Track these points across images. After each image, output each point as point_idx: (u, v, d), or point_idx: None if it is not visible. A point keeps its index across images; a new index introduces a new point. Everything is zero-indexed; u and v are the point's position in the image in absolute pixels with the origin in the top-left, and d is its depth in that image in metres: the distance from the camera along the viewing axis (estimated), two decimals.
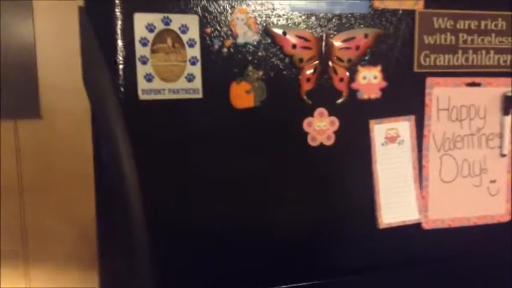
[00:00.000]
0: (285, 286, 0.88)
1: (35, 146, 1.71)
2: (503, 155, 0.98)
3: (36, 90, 1.72)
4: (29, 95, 1.72)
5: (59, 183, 1.70)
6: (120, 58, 0.77)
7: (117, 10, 0.76)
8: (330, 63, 0.87)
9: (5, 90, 1.67)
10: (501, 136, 0.98)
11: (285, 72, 0.85)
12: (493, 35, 0.95)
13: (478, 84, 0.96)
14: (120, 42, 0.76)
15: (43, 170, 1.72)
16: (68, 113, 1.68)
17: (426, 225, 0.95)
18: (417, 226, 0.94)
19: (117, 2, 0.76)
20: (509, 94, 0.97)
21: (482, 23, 0.94)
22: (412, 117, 0.93)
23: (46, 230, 1.67)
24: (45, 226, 1.67)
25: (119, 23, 0.76)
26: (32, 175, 1.70)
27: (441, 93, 0.93)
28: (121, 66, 0.77)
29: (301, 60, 0.86)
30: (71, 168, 1.68)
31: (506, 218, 1.01)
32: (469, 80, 0.95)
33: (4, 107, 1.65)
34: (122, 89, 0.78)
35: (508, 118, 0.97)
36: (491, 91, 0.96)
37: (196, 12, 0.79)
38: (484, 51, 0.95)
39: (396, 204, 0.92)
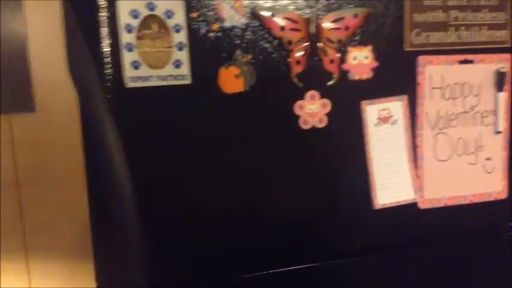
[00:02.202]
0: (280, 269, 0.88)
1: (29, 139, 1.70)
2: (498, 132, 0.98)
3: (29, 84, 1.71)
4: (22, 90, 1.71)
5: (55, 176, 1.69)
6: (106, 46, 0.76)
7: None
8: (320, 44, 0.86)
9: None
10: (495, 113, 0.97)
11: (274, 55, 0.84)
12: (485, 10, 0.94)
13: (471, 62, 0.94)
14: (104, 30, 0.75)
15: (39, 163, 1.71)
16: (62, 106, 1.66)
17: (422, 205, 0.94)
18: (413, 206, 0.94)
19: None
20: (503, 70, 0.96)
21: None
22: (405, 97, 0.92)
23: (43, 223, 1.67)
24: (43, 219, 1.67)
25: (102, 10, 0.75)
26: (28, 169, 1.69)
27: (434, 72, 0.92)
28: (107, 55, 0.76)
29: (290, 42, 0.85)
30: (67, 160, 1.67)
31: (503, 195, 1.00)
32: (462, 57, 0.94)
33: None
34: (109, 78, 0.77)
35: (502, 94, 0.96)
36: (485, 68, 0.95)
37: None
38: (476, 28, 0.94)
39: (391, 184, 0.91)
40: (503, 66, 0.96)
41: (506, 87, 0.96)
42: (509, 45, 0.96)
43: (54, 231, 1.68)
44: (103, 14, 0.75)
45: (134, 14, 0.76)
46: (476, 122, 0.96)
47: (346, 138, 0.90)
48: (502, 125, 0.97)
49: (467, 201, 0.97)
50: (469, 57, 0.94)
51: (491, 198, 0.99)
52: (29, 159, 1.67)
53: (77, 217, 1.63)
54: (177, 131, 0.81)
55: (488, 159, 0.98)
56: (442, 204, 0.96)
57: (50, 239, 1.69)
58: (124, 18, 0.75)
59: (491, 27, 0.94)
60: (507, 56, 0.96)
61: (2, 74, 1.61)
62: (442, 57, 0.92)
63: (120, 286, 0.80)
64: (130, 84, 0.77)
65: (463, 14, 0.92)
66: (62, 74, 1.54)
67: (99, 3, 0.75)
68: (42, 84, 1.64)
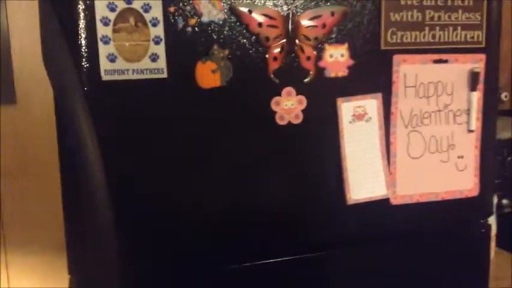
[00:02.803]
0: (254, 263, 0.90)
1: (11, 131, 1.70)
2: (470, 131, 1.00)
3: (10, 77, 1.70)
4: (4, 82, 1.70)
5: (37, 168, 1.69)
6: (82, 39, 0.76)
7: None
8: (297, 41, 0.87)
9: None
10: (468, 112, 0.99)
11: (251, 51, 0.85)
12: (460, 11, 0.95)
13: (445, 61, 0.96)
14: (81, 23, 0.75)
15: (20, 155, 1.71)
16: (43, 99, 1.66)
17: (394, 201, 0.96)
18: (385, 202, 0.96)
19: None
20: (477, 70, 0.98)
21: (449, 0, 0.94)
22: (380, 95, 0.93)
23: (24, 215, 1.67)
24: (23, 211, 1.66)
25: (79, 2, 0.75)
26: (8, 160, 1.69)
27: (408, 71, 0.94)
28: (83, 47, 0.76)
29: (267, 38, 0.86)
30: (48, 152, 1.66)
31: (474, 193, 1.02)
32: (436, 56, 0.96)
33: None
34: (85, 70, 0.77)
35: (475, 94, 0.98)
36: (459, 67, 0.97)
37: None
38: (451, 28, 0.95)
39: (364, 180, 0.93)
40: (477, 67, 0.98)
41: (480, 87, 0.99)
42: (484, 46, 0.98)
43: (33, 222, 1.67)
44: (80, 7, 0.75)
45: (111, 7, 0.76)
46: (449, 121, 0.98)
47: (321, 135, 0.91)
48: (475, 124, 0.99)
49: (439, 198, 1.00)
50: (443, 56, 0.96)
51: (463, 196, 1.01)
52: (10, 150, 1.66)
53: (56, 209, 1.62)
54: (152, 124, 0.82)
55: (460, 157, 1.00)
56: (414, 201, 0.98)
57: (29, 231, 1.68)
58: (101, 10, 0.76)
59: (466, 27, 0.96)
60: (481, 56, 0.98)
61: None
62: (417, 57, 0.94)
63: (92, 276, 0.81)
64: (106, 77, 0.77)
65: (438, 14, 0.94)
66: (42, 68, 1.53)
67: None
68: (24, 77, 1.64)
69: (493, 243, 1.50)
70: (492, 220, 1.49)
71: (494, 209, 1.51)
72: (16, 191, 1.69)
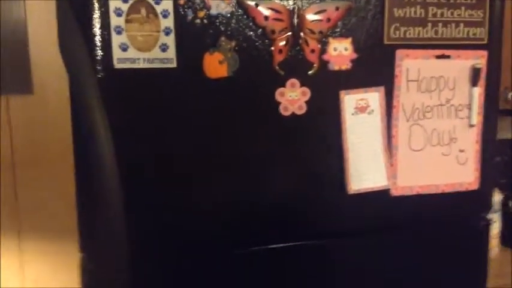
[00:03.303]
0: (258, 248, 0.93)
1: (27, 121, 1.74)
2: (471, 125, 1.02)
3: (28, 66, 1.75)
4: (21, 72, 1.75)
5: (51, 157, 1.74)
6: (96, 28, 0.80)
7: None
8: (302, 34, 0.90)
9: None
10: (470, 107, 1.01)
11: (257, 44, 0.89)
12: (463, 8, 0.98)
13: (447, 57, 0.99)
14: (95, 13, 0.79)
15: (36, 144, 1.76)
16: (59, 89, 1.70)
17: (395, 192, 0.99)
18: (386, 193, 0.98)
19: None
20: (478, 66, 1.00)
21: None
22: (382, 88, 0.96)
23: (38, 203, 1.72)
24: (38, 199, 1.71)
25: None
26: (25, 149, 1.74)
27: (411, 65, 0.96)
28: (97, 37, 0.80)
29: (273, 31, 0.89)
30: (63, 142, 1.71)
31: (474, 186, 1.04)
32: (439, 52, 0.98)
33: None
34: (99, 59, 0.81)
35: (476, 89, 1.00)
36: (461, 63, 0.99)
37: None
38: (453, 24, 0.98)
39: (365, 171, 0.96)
40: (479, 63, 1.00)
41: (481, 82, 1.01)
42: (486, 43, 1.00)
43: (47, 211, 1.72)
44: None
45: None
46: (451, 115, 1.01)
47: (324, 126, 0.94)
48: (476, 119, 1.01)
49: (439, 191, 1.02)
50: (446, 52, 0.98)
51: (463, 189, 1.04)
52: (25, 140, 1.71)
53: (70, 198, 1.67)
54: (161, 111, 0.85)
55: (461, 151, 1.02)
56: (414, 192, 1.00)
57: (43, 219, 1.73)
58: (114, 2, 0.80)
59: (468, 24, 0.98)
60: (483, 52, 1.00)
61: (0, 56, 1.65)
62: (420, 52, 0.97)
63: (102, 254, 0.85)
64: (118, 65, 0.81)
65: (441, 10, 0.96)
66: (59, 58, 1.58)
67: None
68: (40, 66, 1.68)
69: (497, 241, 1.52)
70: (497, 218, 1.51)
71: (500, 207, 1.52)
72: (32, 179, 1.74)
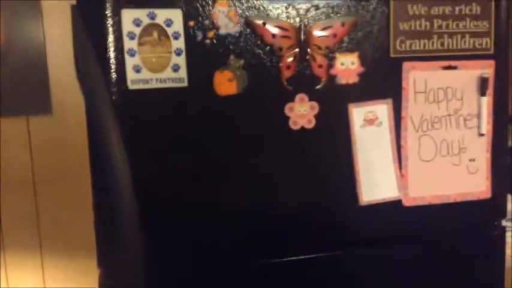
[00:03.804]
0: (272, 261, 0.94)
1: (46, 140, 1.80)
2: (481, 135, 1.03)
3: (47, 87, 1.80)
4: (40, 92, 1.80)
5: (70, 176, 1.78)
6: (111, 51, 0.84)
7: (106, 7, 0.83)
8: (309, 50, 0.93)
9: (17, 88, 1.76)
10: (479, 116, 1.02)
11: (265, 61, 0.91)
12: (468, 19, 0.99)
13: (454, 67, 1.00)
14: (109, 37, 0.83)
15: (55, 163, 1.81)
16: (78, 109, 1.75)
17: (406, 203, 1.00)
18: (398, 203, 0.99)
19: None
20: (486, 76, 1.01)
21: (457, 9, 0.98)
22: (390, 101, 0.97)
23: (59, 221, 1.76)
24: (58, 217, 1.76)
25: (108, 19, 0.83)
26: (45, 169, 1.79)
27: (418, 77, 0.98)
28: (111, 59, 0.84)
29: (280, 48, 0.91)
30: (82, 160, 1.75)
31: (487, 195, 1.05)
32: (445, 63, 0.99)
33: (16, 104, 1.74)
34: (113, 80, 0.84)
35: (485, 99, 1.01)
36: (468, 73, 1.01)
37: (179, 7, 0.86)
38: (459, 35, 0.99)
39: (376, 182, 0.97)
40: (486, 72, 1.01)
41: (489, 91, 1.01)
42: (492, 52, 1.01)
43: (68, 228, 1.77)
44: (108, 22, 0.83)
45: (136, 23, 0.84)
46: (460, 125, 1.01)
47: (333, 139, 0.96)
48: (485, 128, 1.02)
49: (451, 200, 1.02)
50: (452, 63, 1.00)
51: (475, 198, 1.04)
52: (45, 159, 1.76)
53: (89, 215, 1.72)
54: (174, 130, 0.88)
55: (472, 160, 1.03)
56: (426, 203, 1.01)
57: (64, 236, 1.78)
58: (127, 26, 0.83)
59: (474, 35, 1.00)
60: (490, 62, 1.01)
61: (20, 77, 1.71)
62: (426, 63, 0.98)
63: (120, 269, 0.87)
64: (132, 87, 0.85)
65: (446, 22, 0.98)
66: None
67: (106, 12, 0.83)
68: (59, 87, 1.74)
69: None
70: None
71: None
72: (52, 197, 1.78)
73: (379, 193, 0.98)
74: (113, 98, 0.84)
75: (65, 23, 1.73)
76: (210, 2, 0.87)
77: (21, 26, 1.74)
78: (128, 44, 0.84)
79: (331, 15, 0.93)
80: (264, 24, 0.90)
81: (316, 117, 0.94)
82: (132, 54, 0.84)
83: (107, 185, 0.89)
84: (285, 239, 0.96)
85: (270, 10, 0.90)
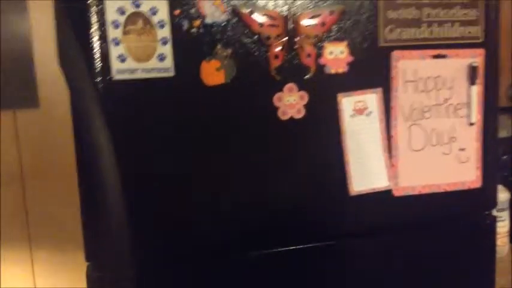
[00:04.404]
0: (260, 252, 0.94)
1: (34, 134, 1.77)
2: (471, 124, 1.02)
3: (33, 81, 1.78)
4: (27, 86, 1.78)
5: (59, 169, 1.76)
6: (95, 41, 0.82)
7: None
8: (297, 39, 0.91)
9: (3, 82, 1.73)
10: (468, 105, 1.01)
11: (253, 50, 0.90)
12: (457, 7, 0.98)
13: (443, 56, 0.99)
14: (93, 26, 0.81)
15: (43, 157, 1.78)
16: (65, 102, 1.73)
17: (397, 192, 0.99)
18: (388, 193, 0.99)
19: None
20: (475, 64, 1.00)
21: None
22: (379, 90, 0.97)
23: (46, 214, 1.74)
24: (45, 210, 1.74)
25: (92, 7, 0.81)
26: (32, 163, 1.76)
27: (407, 66, 0.97)
28: (95, 49, 0.82)
29: (268, 38, 0.90)
30: (69, 154, 1.73)
31: (477, 184, 1.04)
32: (435, 52, 0.98)
33: (3, 98, 1.71)
34: (98, 70, 0.83)
35: (474, 88, 1.01)
36: (457, 62, 1.00)
37: None
38: (448, 24, 0.98)
39: (366, 172, 0.96)
40: (476, 61, 1.00)
41: (479, 80, 1.01)
42: (482, 41, 1.01)
43: (56, 222, 1.75)
44: (92, 10, 0.81)
45: (121, 11, 0.82)
46: (450, 114, 1.01)
47: (323, 129, 0.95)
48: (475, 117, 1.02)
49: (442, 190, 1.02)
50: (442, 52, 0.99)
51: (465, 187, 1.03)
52: (33, 153, 1.74)
53: (77, 208, 1.69)
54: (160, 121, 0.87)
55: (462, 149, 1.02)
56: (416, 192, 1.00)
57: (53, 230, 1.76)
58: (111, 14, 0.82)
59: (463, 23, 0.99)
60: (480, 50, 1.01)
61: (7, 71, 1.69)
62: (416, 52, 0.97)
63: (107, 262, 0.86)
64: (117, 76, 0.83)
65: (436, 10, 0.97)
66: None
67: (89, 1, 0.81)
68: (46, 80, 1.72)
69: (506, 239, 1.51)
70: (506, 216, 1.50)
71: (508, 206, 1.51)
72: (40, 192, 1.76)
73: (370, 183, 0.97)
74: (98, 87, 0.83)
75: (52, 18, 1.70)
76: None
77: (8, 23, 1.71)
78: (113, 33, 0.82)
79: (319, 3, 0.92)
80: (251, 12, 0.89)
81: (306, 107, 0.93)
82: (116, 43, 0.82)
83: (93, 176, 0.87)
84: (274, 230, 0.95)
85: None
